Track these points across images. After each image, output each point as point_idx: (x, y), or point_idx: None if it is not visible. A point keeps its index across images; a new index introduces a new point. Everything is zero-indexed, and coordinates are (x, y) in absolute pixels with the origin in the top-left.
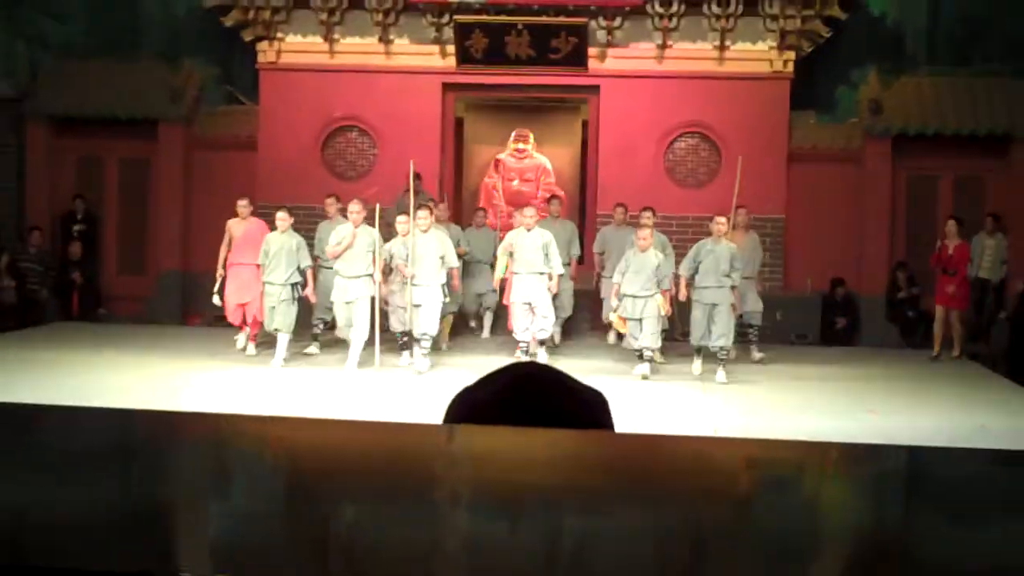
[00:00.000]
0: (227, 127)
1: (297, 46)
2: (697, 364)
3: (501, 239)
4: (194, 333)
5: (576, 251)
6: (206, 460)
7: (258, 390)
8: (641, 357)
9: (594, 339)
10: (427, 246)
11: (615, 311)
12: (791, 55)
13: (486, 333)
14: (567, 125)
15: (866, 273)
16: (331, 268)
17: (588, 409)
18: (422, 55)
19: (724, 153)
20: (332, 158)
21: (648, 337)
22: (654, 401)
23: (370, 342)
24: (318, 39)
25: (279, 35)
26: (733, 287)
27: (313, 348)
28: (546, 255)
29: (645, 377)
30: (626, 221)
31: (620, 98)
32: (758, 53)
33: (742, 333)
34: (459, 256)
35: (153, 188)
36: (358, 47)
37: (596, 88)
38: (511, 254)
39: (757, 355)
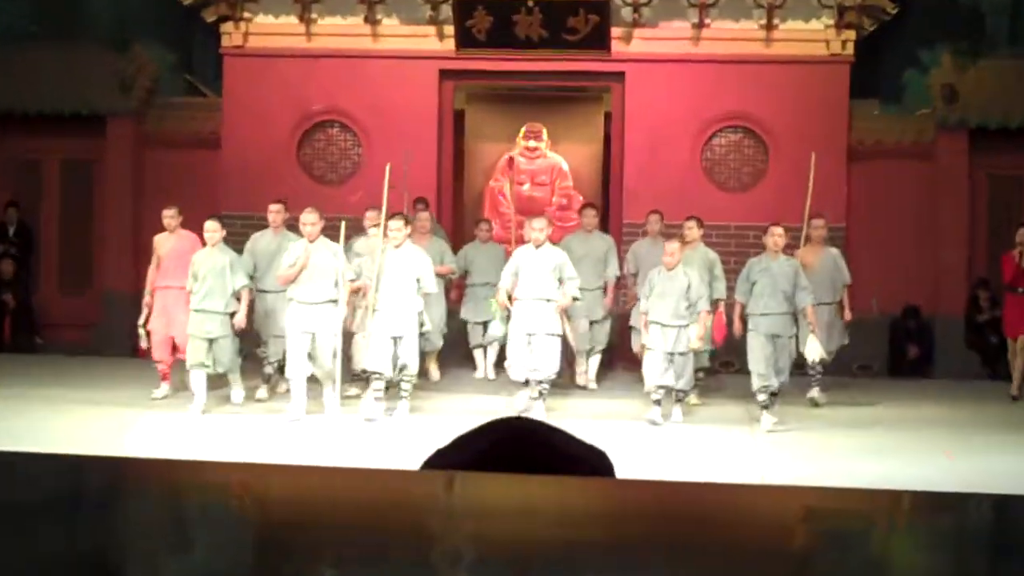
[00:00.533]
0: (186, 122)
1: (268, 27)
2: (767, 419)
3: (509, 255)
4: (146, 366)
5: (613, 271)
6: (162, 512)
7: (217, 437)
8: (677, 398)
9: (629, 376)
10: (400, 265)
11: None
12: (851, 35)
13: (486, 372)
14: (587, 119)
15: (941, 291)
16: (274, 292)
17: (587, 475)
18: (415, 37)
19: (772, 150)
20: (309, 159)
21: (682, 377)
22: (690, 446)
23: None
24: (292, 19)
25: (246, 15)
26: (793, 313)
27: (353, 389)
28: (559, 279)
29: (654, 423)
30: (662, 232)
31: (649, 87)
32: (812, 33)
33: (800, 365)
34: (444, 276)
35: (99, 194)
36: (340, 28)
37: (620, 75)
38: (516, 274)
39: (817, 395)
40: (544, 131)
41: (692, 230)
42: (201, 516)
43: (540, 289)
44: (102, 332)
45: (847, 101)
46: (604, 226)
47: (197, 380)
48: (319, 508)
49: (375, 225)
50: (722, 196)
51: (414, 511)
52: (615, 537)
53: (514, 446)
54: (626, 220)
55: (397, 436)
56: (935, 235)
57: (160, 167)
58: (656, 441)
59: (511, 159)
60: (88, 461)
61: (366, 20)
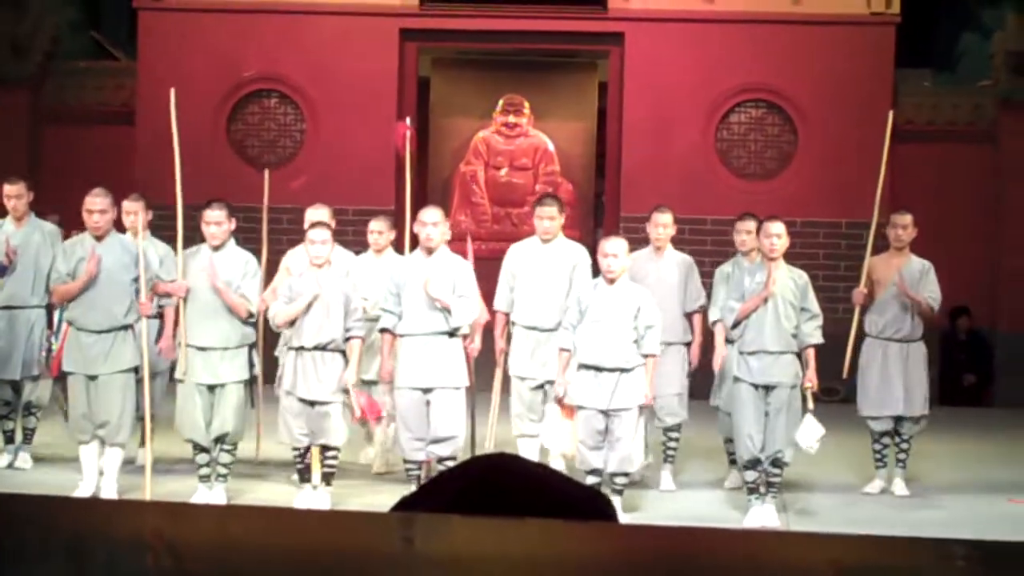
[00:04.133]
0: (92, 92)
1: None
2: (759, 508)
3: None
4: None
5: (701, 298)
6: (59, 562)
7: None
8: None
9: None
10: (330, 294)
11: (558, 396)
12: None
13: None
14: (578, 90)
15: (1003, 301)
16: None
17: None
18: None
19: (802, 129)
20: (242, 135)
21: (621, 452)
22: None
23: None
24: None
25: None
26: (809, 348)
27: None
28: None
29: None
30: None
31: (653, 51)
32: None
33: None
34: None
35: None
36: None
37: (619, 37)
38: (512, 288)
39: (900, 487)
40: (526, 105)
41: (665, 223)
42: (105, 567)
43: (552, 309)
44: None
45: (892, 71)
46: (593, 222)
47: None
48: (247, 559)
49: (379, 233)
50: (740, 185)
51: (361, 562)
52: None
53: (496, 482)
54: (624, 213)
55: None
56: (996, 233)
57: (60, 145)
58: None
59: (485, 138)
60: None
61: None
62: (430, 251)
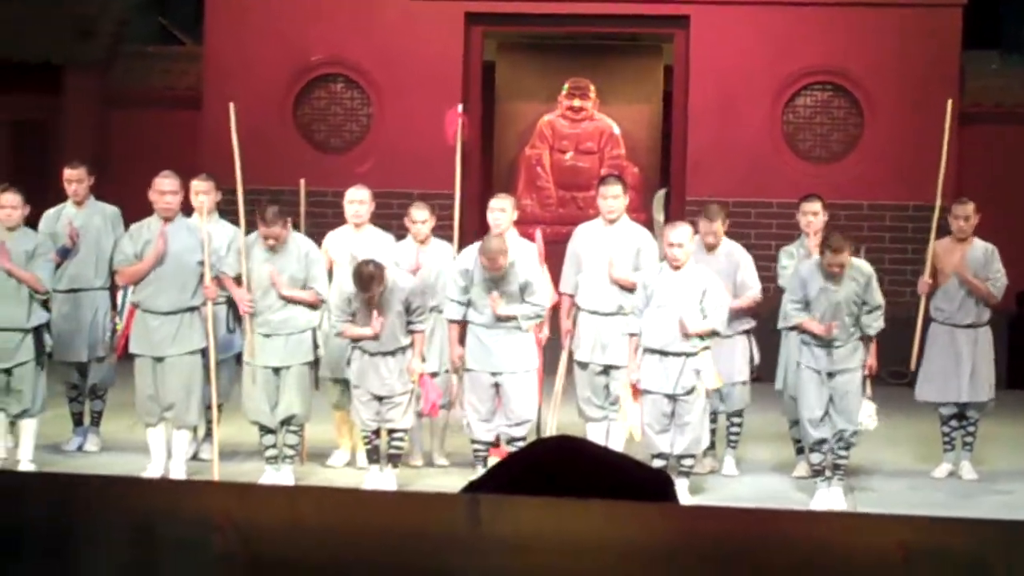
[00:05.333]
0: (159, 76)
1: None
2: (826, 491)
3: (543, 251)
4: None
5: (753, 287)
6: (125, 544)
7: None
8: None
9: None
10: (390, 309)
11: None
12: None
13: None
14: (643, 73)
15: None
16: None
17: (647, 500)
18: None
19: (868, 112)
20: (308, 119)
21: (689, 434)
22: (748, 493)
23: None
24: None
25: None
26: (867, 336)
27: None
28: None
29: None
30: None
31: (719, 34)
32: None
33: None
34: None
35: (55, 162)
36: None
37: (685, 20)
38: (578, 271)
39: (968, 470)
40: (591, 88)
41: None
42: (174, 548)
43: (616, 293)
44: None
45: (959, 53)
46: (665, 205)
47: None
48: (316, 540)
49: (421, 222)
50: (807, 168)
51: (429, 543)
52: (674, 574)
53: (560, 468)
54: (690, 197)
55: None
56: None
57: (127, 129)
58: None
59: (551, 122)
60: (32, 481)
61: None
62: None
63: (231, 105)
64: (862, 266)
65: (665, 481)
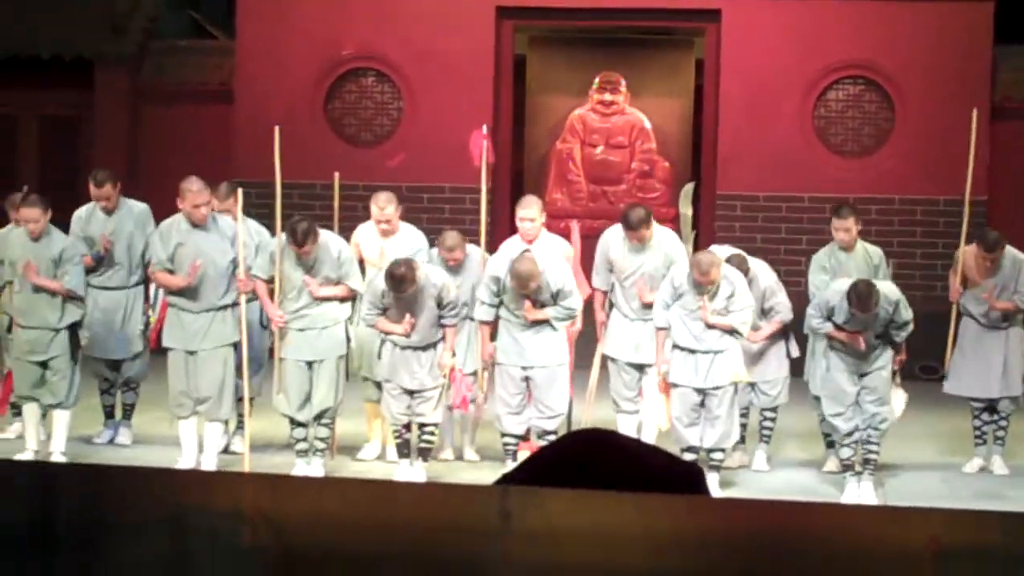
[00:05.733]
0: (191, 70)
1: None
2: (855, 486)
3: (579, 247)
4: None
5: (782, 312)
6: (157, 535)
7: None
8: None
9: None
10: (421, 305)
11: (660, 375)
12: None
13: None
14: (674, 67)
15: None
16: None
17: (678, 492)
18: None
19: (899, 106)
20: (340, 114)
21: (719, 428)
22: (778, 486)
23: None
24: None
25: None
26: (895, 343)
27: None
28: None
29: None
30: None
31: (750, 28)
32: None
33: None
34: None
35: (87, 158)
36: None
37: (716, 13)
38: (611, 270)
39: (999, 465)
40: (622, 82)
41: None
42: (205, 540)
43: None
44: None
45: (991, 48)
46: (694, 200)
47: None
48: (346, 533)
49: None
50: (838, 162)
51: (459, 535)
52: (704, 567)
53: (592, 461)
54: (721, 191)
55: None
56: None
57: (159, 123)
58: None
59: (581, 116)
60: (65, 473)
61: None
62: (530, 242)
63: (276, 129)
64: (889, 294)
65: (697, 474)
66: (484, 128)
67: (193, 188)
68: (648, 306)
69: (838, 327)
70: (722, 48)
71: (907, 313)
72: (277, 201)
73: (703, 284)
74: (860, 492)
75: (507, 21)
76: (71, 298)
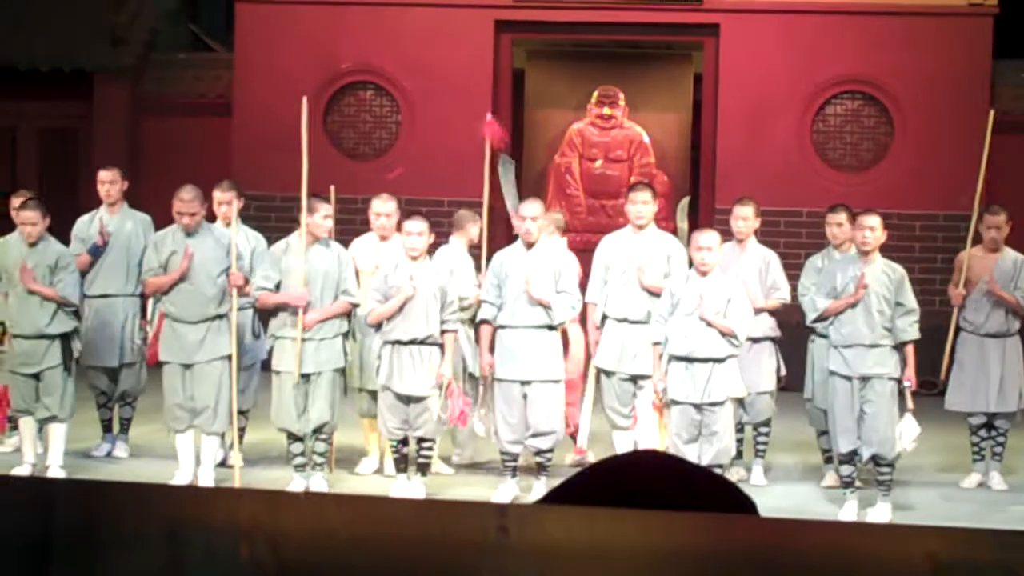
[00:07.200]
0: (189, 83)
1: None
2: (850, 503)
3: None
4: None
5: (782, 289)
6: (154, 550)
7: None
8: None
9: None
10: (425, 289)
11: (656, 392)
12: None
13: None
14: (672, 81)
15: None
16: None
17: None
18: None
19: (898, 121)
20: (338, 127)
21: (717, 444)
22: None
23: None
24: None
25: None
26: (900, 339)
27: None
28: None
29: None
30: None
31: (749, 42)
32: None
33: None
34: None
35: (86, 169)
36: None
37: (714, 28)
38: (607, 281)
39: (997, 481)
40: (621, 96)
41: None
42: (200, 558)
43: (645, 299)
44: None
45: (990, 63)
46: (693, 213)
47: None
48: (344, 548)
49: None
50: (836, 176)
51: (457, 551)
52: None
53: (643, 483)
54: (719, 206)
55: None
56: None
57: (158, 136)
58: None
59: (580, 130)
60: (62, 487)
61: None
62: (530, 245)
63: (304, 99)
64: (895, 265)
65: (752, 508)
66: (488, 116)
67: (184, 197)
68: (645, 294)
69: (840, 303)
70: (720, 62)
71: (913, 299)
72: (305, 168)
73: (702, 262)
74: (877, 514)
75: (505, 35)
76: (63, 306)
